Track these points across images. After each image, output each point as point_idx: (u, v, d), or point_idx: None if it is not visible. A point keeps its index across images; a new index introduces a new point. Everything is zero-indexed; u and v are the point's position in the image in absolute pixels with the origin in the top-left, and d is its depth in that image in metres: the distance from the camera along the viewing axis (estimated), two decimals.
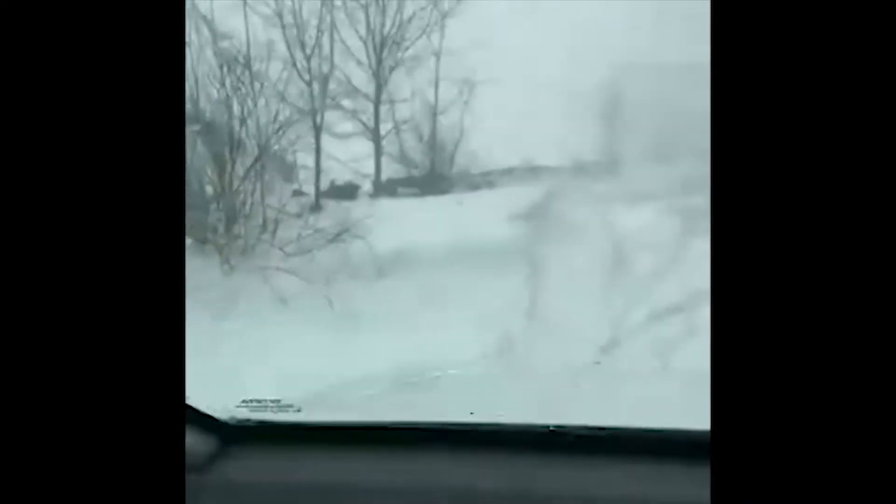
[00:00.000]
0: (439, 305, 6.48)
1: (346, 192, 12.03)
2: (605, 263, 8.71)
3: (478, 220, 9.58)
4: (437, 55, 11.87)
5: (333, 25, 10.26)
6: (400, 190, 13.19)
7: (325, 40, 10.13)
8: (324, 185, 12.03)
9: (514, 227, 9.41)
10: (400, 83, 11.63)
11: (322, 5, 9.79)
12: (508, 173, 17.07)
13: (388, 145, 12.35)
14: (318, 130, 9.59)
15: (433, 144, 12.43)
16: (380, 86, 11.13)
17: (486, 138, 13.53)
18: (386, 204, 10.41)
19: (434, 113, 12.31)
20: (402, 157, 12.61)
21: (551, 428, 1.16)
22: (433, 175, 12.82)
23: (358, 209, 9.70)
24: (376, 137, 11.28)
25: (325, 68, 10.10)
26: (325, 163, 11.59)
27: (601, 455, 1.12)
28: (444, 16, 11.79)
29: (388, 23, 11.02)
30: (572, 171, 16.13)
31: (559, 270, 8.39)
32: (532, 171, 16.85)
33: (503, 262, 8.40)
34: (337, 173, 12.18)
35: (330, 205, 9.57)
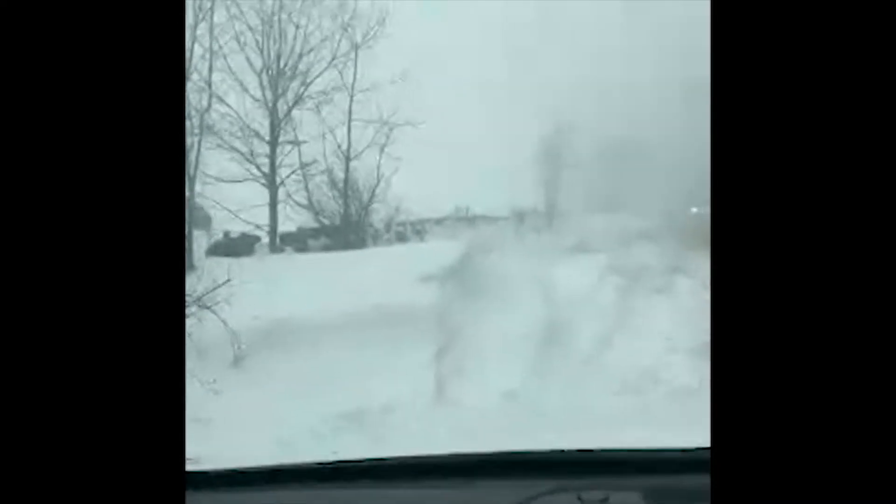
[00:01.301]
0: (304, 400, 4.89)
1: (241, 246, 10.33)
2: (534, 332, 7.25)
3: (393, 277, 7.98)
4: (350, 90, 10.48)
5: (215, 50, 8.70)
6: (311, 242, 11.60)
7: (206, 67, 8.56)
8: (217, 236, 10.33)
9: (434, 287, 7.84)
10: (305, 122, 10.13)
11: (196, 23, 8.16)
12: (440, 223, 15.83)
13: (296, 192, 10.78)
14: (191, 172, 7.88)
15: (346, 191, 10.91)
16: (275, 123, 9.58)
17: (413, 184, 12.19)
18: (282, 260, 8.75)
19: (347, 156, 10.82)
20: (312, 206, 11.04)
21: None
22: (349, 225, 11.26)
23: (248, 267, 8.00)
24: (272, 182, 9.67)
25: (204, 101, 8.48)
26: (218, 212, 9.96)
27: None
28: (358, 46, 10.43)
29: (287, 52, 9.58)
30: (508, 220, 14.97)
31: (478, 342, 6.86)
32: (467, 221, 15.64)
33: (412, 333, 6.80)
34: (233, 224, 10.52)
35: (209, 264, 7.82)
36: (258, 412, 4.94)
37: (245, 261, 8.60)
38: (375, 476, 1.24)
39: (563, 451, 1.22)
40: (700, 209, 11.12)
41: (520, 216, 14.79)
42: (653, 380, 6.51)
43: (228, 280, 5.37)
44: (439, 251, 9.43)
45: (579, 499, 1.08)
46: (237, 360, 5.59)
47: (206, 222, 10.30)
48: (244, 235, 10.80)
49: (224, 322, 5.38)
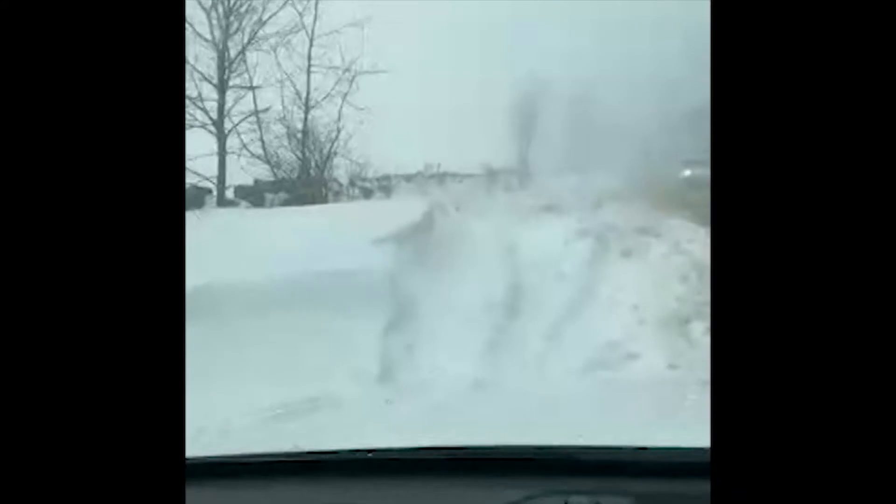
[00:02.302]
0: (230, 385, 4.38)
1: (192, 199, 9.64)
2: (499, 301, 6.77)
3: (349, 236, 7.40)
4: (310, 33, 9.71)
5: None
6: (269, 197, 10.94)
7: None
8: None
9: (394, 248, 7.28)
10: (260, 66, 9.38)
11: None
12: (410, 180, 15.22)
13: (251, 143, 10.07)
14: None
15: (305, 142, 10.22)
16: (224, 65, 8.82)
17: (381, 138, 11.55)
18: (228, 215, 8.12)
19: (306, 104, 10.11)
20: (268, 157, 10.35)
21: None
22: (309, 179, 10.60)
23: (187, 223, 7.34)
24: (220, 130, 8.96)
25: None
26: None
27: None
28: None
29: None
30: (480, 178, 14.42)
31: (436, 311, 6.37)
32: (437, 178, 15.06)
33: (364, 301, 6.28)
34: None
35: None
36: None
37: (186, 215, 7.94)
38: (325, 472, 1.16)
39: (548, 448, 1.16)
40: (693, 171, 10.65)
41: (492, 174, 14.23)
42: (621, 354, 6.09)
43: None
44: (405, 209, 8.88)
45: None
46: None
47: None
48: (195, 188, 10.12)
49: None
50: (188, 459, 1.11)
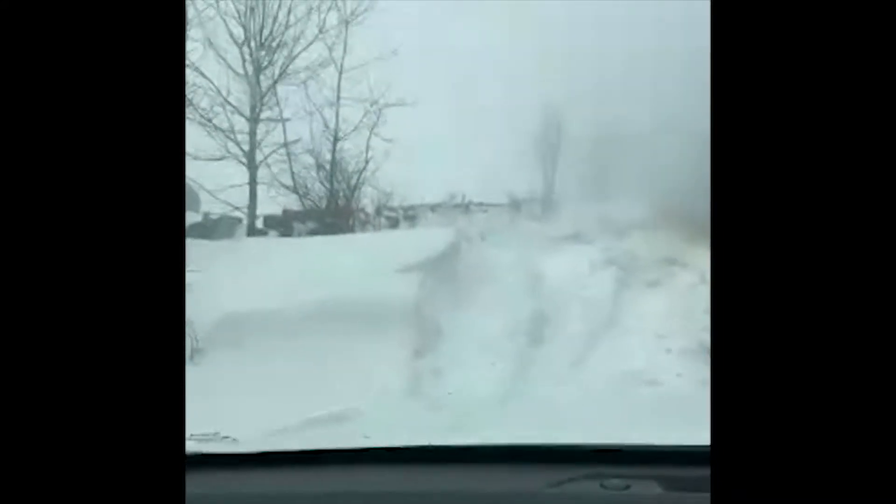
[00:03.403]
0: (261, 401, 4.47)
1: (222, 228, 9.87)
2: (521, 329, 6.81)
3: (374, 265, 7.50)
4: (339, 66, 9.97)
5: (190, 18, 8.17)
6: (297, 226, 11.13)
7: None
8: (194, 218, 9.88)
9: (420, 277, 7.36)
10: (290, 98, 9.64)
11: None
12: (434, 210, 15.35)
13: (280, 173, 10.30)
14: None
15: (333, 173, 10.42)
16: (256, 99, 9.08)
17: (406, 169, 11.73)
18: (258, 245, 8.30)
19: (335, 135, 10.33)
20: (297, 188, 10.56)
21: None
22: (337, 209, 10.78)
23: (218, 251, 7.56)
24: (251, 161, 9.18)
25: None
26: (205, 192, 9.51)
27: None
28: (348, 20, 9.90)
29: (270, 22, 9.05)
30: (505, 208, 14.51)
31: (459, 338, 6.43)
32: (462, 208, 15.18)
33: (390, 327, 6.35)
34: (212, 205, 10.07)
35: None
36: (210, 412, 4.49)
37: (216, 245, 8.14)
38: (388, 462, 1.21)
39: (583, 444, 1.22)
40: None
41: (516, 203, 14.31)
42: (645, 382, 6.08)
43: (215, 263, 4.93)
44: (430, 239, 8.97)
45: (602, 486, 1.09)
46: (192, 354, 5.18)
47: (193, 202, 9.86)
48: (227, 217, 10.34)
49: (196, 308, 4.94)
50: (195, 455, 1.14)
